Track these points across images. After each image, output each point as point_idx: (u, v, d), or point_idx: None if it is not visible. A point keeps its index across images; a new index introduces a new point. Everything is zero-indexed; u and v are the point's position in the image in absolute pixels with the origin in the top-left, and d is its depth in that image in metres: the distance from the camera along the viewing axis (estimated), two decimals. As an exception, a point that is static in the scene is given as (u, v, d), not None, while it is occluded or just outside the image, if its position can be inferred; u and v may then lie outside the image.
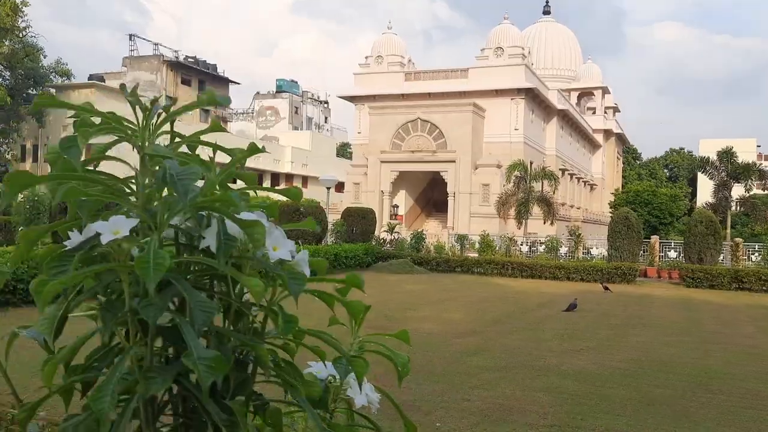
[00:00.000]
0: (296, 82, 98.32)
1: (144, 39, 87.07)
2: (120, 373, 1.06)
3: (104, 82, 54.39)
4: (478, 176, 40.99)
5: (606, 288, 18.70)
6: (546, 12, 73.27)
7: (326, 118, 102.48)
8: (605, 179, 70.22)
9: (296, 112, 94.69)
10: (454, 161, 41.17)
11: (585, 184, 61.99)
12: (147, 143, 1.32)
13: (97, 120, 1.42)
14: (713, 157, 34.87)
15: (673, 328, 11.73)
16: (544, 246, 27.81)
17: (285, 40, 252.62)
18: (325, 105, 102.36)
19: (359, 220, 25.18)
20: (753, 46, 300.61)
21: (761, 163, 36.59)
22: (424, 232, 26.44)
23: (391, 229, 26.71)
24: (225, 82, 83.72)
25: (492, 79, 42.59)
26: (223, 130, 1.52)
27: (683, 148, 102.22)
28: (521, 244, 28.27)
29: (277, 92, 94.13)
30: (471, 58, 46.19)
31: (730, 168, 33.42)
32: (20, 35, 41.88)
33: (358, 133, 47.76)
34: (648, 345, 9.81)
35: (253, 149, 1.42)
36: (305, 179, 76.16)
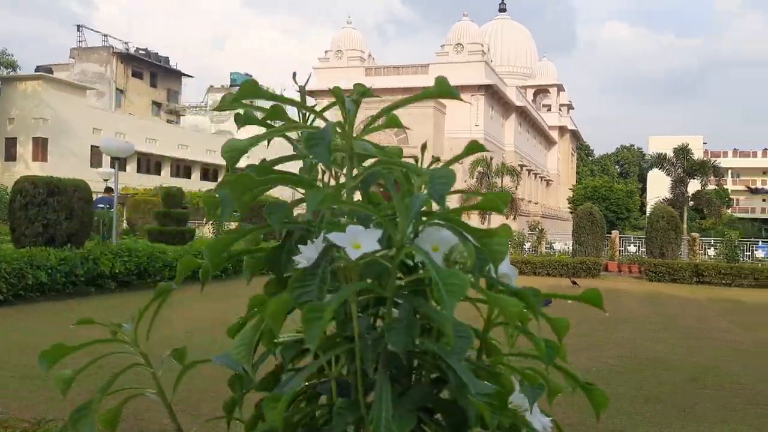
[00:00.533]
0: (250, 76, 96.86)
1: (92, 30, 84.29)
2: (387, 413, 0.87)
3: (52, 73, 52.59)
4: (439, 172, 41.08)
5: (574, 282, 18.91)
6: (502, 9, 73.99)
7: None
8: (560, 175, 71.45)
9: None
10: (415, 157, 41.13)
11: (542, 180, 62.95)
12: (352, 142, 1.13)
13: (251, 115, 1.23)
14: (669, 153, 35.83)
15: (650, 324, 11.91)
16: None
17: (238, 34, 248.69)
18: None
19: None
20: (695, 45, 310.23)
21: (715, 160, 37.74)
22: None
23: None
24: (177, 75, 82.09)
25: (452, 75, 42.64)
26: (400, 125, 1.35)
27: (633, 145, 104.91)
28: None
29: (231, 86, 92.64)
30: (425, 53, 46.40)
31: (686, 164, 34.36)
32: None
33: (318, 128, 47.36)
34: (632, 341, 9.90)
35: (473, 148, 1.26)
36: (261, 174, 75.21)
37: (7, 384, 6.25)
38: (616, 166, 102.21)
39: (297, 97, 1.27)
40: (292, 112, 1.39)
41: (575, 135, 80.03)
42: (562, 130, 69.80)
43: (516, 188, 32.49)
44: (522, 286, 1.07)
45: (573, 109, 77.98)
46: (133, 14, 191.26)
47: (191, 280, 1.36)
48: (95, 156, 52.33)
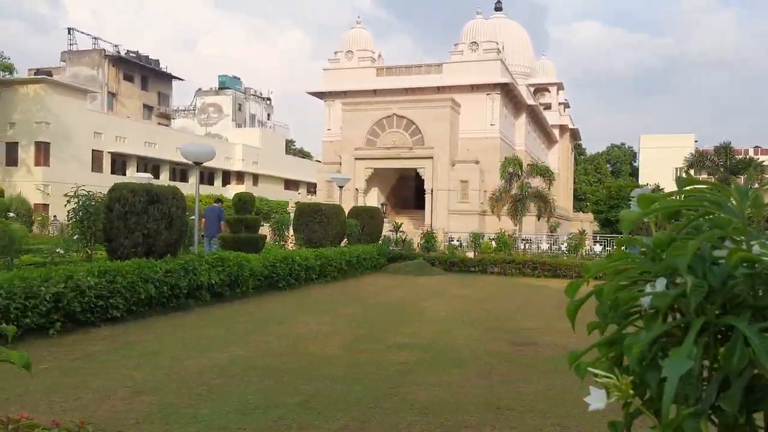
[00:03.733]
0: (238, 78, 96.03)
1: (83, 33, 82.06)
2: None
3: (51, 76, 51.19)
4: (456, 173, 40.65)
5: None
6: (498, 8, 73.66)
7: (269, 114, 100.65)
8: (560, 174, 71.31)
9: (239, 109, 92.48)
10: (431, 158, 40.66)
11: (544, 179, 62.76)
12: None
13: None
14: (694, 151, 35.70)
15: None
16: (546, 244, 27.70)
17: (205, 35, 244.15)
18: (268, 101, 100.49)
19: (368, 220, 24.21)
20: (667, 45, 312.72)
21: (759, 158, 37.46)
22: (434, 231, 25.72)
23: (396, 229, 25.88)
24: (168, 78, 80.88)
25: (467, 75, 42.31)
26: None
27: (624, 144, 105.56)
28: (521, 242, 28.01)
29: (219, 89, 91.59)
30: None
31: (728, 163, 34.15)
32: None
33: (328, 129, 46.62)
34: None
35: None
36: (256, 177, 74.31)
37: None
38: (608, 165, 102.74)
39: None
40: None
41: (573, 134, 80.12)
42: (562, 128, 69.73)
43: (549, 189, 32.05)
44: None
45: (569, 107, 77.99)
46: (102, 17, 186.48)
47: None
48: (96, 161, 51.11)
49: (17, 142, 45.09)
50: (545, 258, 23.36)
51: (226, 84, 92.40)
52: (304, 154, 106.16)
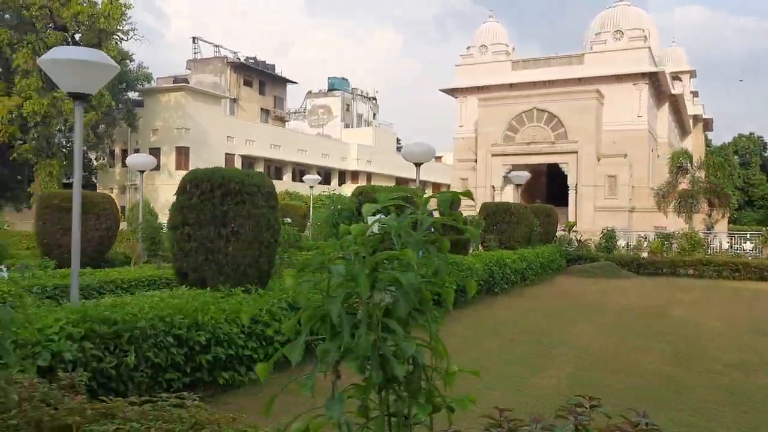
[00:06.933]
0: (346, 80, 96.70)
1: (207, 42, 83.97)
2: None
3: (188, 83, 52.90)
4: (602, 167, 38.67)
5: None
6: (620, -5, 70.29)
7: (374, 114, 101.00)
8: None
9: (347, 110, 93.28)
10: (575, 152, 38.83)
11: (680, 173, 59.25)
12: None
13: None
14: None
15: None
16: (726, 243, 25.57)
17: (298, 39, 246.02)
18: (374, 101, 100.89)
19: (544, 219, 22.98)
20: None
21: None
22: (615, 231, 24.15)
23: (569, 228, 24.53)
24: (283, 82, 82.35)
25: (612, 64, 40.15)
26: None
27: (753, 133, 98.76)
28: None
29: (328, 90, 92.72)
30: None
31: None
32: (125, 38, 40.21)
33: (460, 126, 45.57)
34: None
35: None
36: (369, 175, 74.35)
37: None
38: (736, 156, 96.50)
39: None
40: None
41: (706, 124, 75.53)
42: (695, 119, 65.73)
43: (725, 183, 29.66)
44: None
45: (697, 96, 73.44)
46: (201, 25, 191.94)
47: None
48: (228, 164, 52.37)
49: (159, 148, 46.76)
50: (743, 259, 21.43)
51: (335, 85, 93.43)
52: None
